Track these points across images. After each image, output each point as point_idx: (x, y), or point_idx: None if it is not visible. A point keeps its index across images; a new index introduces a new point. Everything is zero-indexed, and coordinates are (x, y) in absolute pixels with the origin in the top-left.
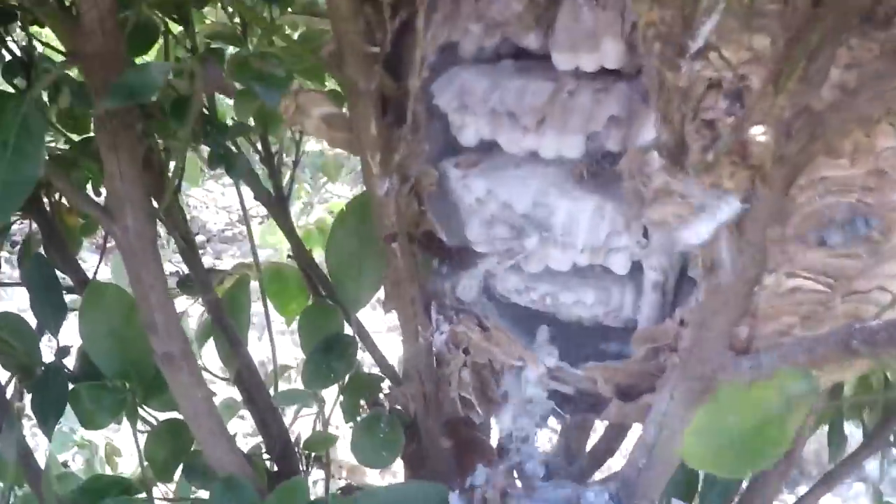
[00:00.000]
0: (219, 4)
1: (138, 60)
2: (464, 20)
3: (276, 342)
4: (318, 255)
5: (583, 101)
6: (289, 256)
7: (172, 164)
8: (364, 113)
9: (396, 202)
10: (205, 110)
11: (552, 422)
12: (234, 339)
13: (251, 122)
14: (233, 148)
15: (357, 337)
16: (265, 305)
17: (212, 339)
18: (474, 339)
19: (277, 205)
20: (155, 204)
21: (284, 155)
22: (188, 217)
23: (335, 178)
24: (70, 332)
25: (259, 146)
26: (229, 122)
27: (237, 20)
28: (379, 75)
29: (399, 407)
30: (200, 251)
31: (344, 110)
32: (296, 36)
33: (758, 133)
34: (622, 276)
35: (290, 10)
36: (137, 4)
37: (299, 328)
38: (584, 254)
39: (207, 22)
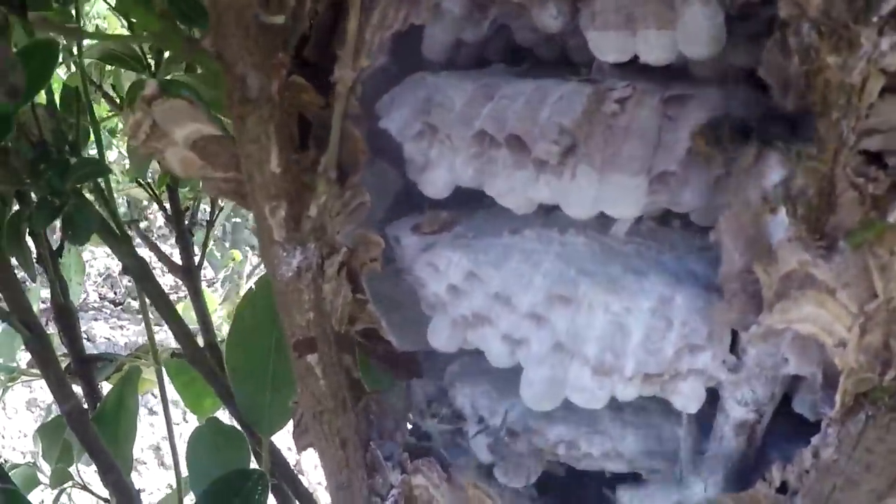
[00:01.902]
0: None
1: None
2: None
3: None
4: None
5: (644, 117)
6: (174, 354)
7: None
8: (258, 135)
9: (315, 286)
10: (44, 134)
11: None
12: (106, 463)
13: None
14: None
15: (270, 473)
16: (164, 405)
17: None
18: (439, 499)
19: (186, 275)
20: None
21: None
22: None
23: None
24: None
25: (165, 199)
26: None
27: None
28: (287, 68)
29: None
30: (139, 316)
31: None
32: None
33: None
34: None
35: None
36: None
37: (187, 457)
38: (633, 383)
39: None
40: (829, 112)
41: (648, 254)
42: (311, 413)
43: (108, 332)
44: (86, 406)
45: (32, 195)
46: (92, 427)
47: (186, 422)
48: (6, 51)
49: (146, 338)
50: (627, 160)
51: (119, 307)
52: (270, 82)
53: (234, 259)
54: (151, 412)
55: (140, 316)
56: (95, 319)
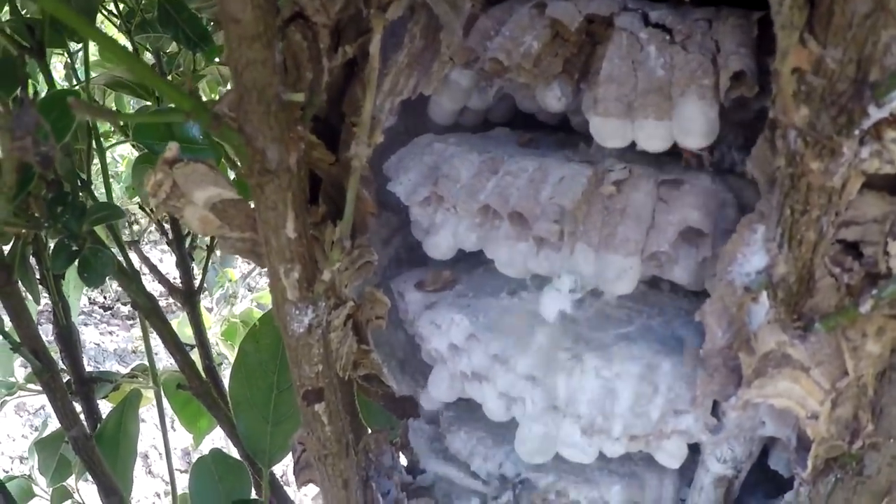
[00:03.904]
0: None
1: None
2: (442, 63)
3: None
4: None
5: (639, 200)
6: (179, 386)
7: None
8: (275, 202)
9: (324, 341)
10: (62, 181)
11: None
12: (108, 486)
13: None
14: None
15: (269, 503)
16: (163, 425)
17: None
18: None
19: (186, 299)
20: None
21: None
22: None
23: None
24: None
25: (167, 225)
26: None
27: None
28: (304, 141)
29: None
30: (129, 322)
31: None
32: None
33: None
34: None
35: (218, 59)
36: None
37: (190, 486)
38: (620, 442)
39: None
40: (811, 210)
41: (639, 319)
42: (316, 455)
43: (97, 338)
44: (86, 425)
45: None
46: (97, 452)
47: (174, 430)
48: (36, 118)
49: (133, 344)
50: (622, 241)
51: (109, 312)
52: (289, 154)
53: (230, 279)
54: (141, 419)
55: (129, 322)
56: (85, 324)
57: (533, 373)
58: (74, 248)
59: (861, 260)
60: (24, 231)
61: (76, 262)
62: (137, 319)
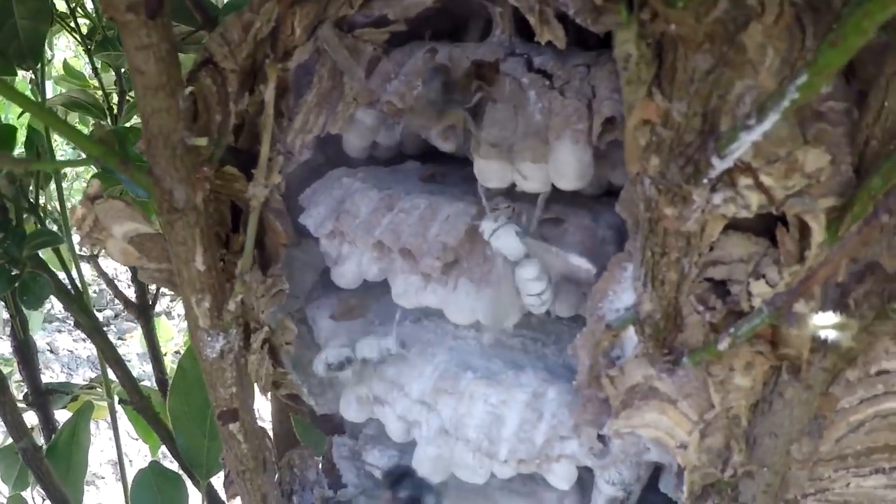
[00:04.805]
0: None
1: None
2: (347, 104)
3: None
4: None
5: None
6: (121, 401)
7: None
8: (185, 238)
9: (237, 365)
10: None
11: None
12: (59, 498)
13: None
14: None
15: None
16: (116, 436)
17: None
18: None
19: (140, 313)
20: None
21: None
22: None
23: None
24: None
25: None
26: None
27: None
28: (209, 180)
29: None
30: (105, 328)
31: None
32: None
33: (802, 308)
34: None
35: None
36: None
37: (132, 496)
38: (509, 465)
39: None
40: (670, 252)
41: (533, 347)
42: (234, 471)
43: (71, 345)
44: (42, 435)
45: None
46: (45, 463)
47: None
48: None
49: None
50: (503, 278)
51: None
52: (195, 194)
53: None
54: (111, 426)
55: (104, 329)
56: (59, 331)
57: (425, 398)
58: (14, 272)
59: (726, 298)
60: None
61: None
62: (112, 327)
